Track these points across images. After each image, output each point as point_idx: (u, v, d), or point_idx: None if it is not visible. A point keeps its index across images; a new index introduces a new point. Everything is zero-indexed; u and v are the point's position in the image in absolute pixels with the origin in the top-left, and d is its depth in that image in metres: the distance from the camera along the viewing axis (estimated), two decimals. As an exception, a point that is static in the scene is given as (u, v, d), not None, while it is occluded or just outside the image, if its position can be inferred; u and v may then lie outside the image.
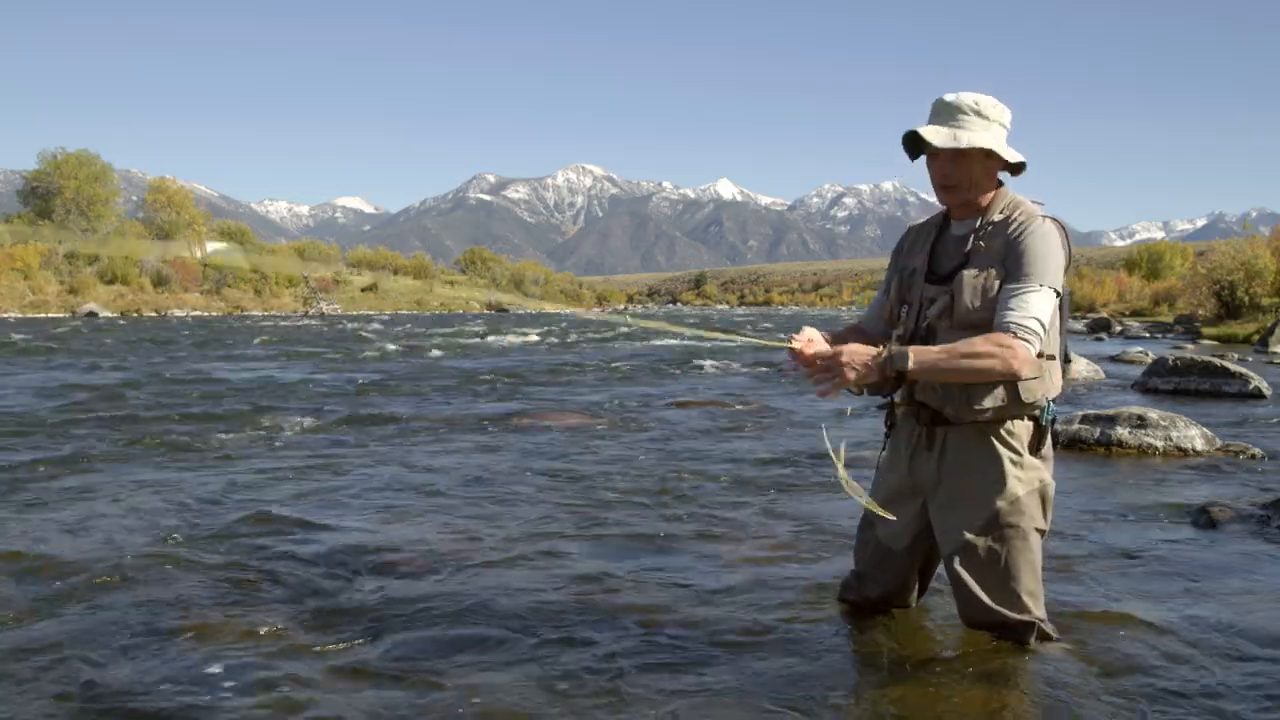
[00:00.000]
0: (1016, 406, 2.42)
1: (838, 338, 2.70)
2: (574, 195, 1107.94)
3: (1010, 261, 2.36)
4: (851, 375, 2.29)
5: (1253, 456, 5.68)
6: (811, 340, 2.41)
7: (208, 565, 3.37)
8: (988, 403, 2.39)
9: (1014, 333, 2.28)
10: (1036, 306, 2.31)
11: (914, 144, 2.49)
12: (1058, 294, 2.37)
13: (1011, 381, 2.37)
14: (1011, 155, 2.44)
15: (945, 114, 2.43)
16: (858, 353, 2.30)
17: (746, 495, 4.66)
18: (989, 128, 2.41)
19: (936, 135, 2.39)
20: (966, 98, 2.42)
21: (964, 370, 2.30)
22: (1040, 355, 2.42)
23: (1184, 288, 30.55)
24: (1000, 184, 2.52)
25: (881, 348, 2.33)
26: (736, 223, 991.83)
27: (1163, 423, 5.88)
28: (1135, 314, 36.50)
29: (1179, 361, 9.55)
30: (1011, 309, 2.31)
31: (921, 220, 2.73)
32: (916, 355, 2.30)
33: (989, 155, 2.43)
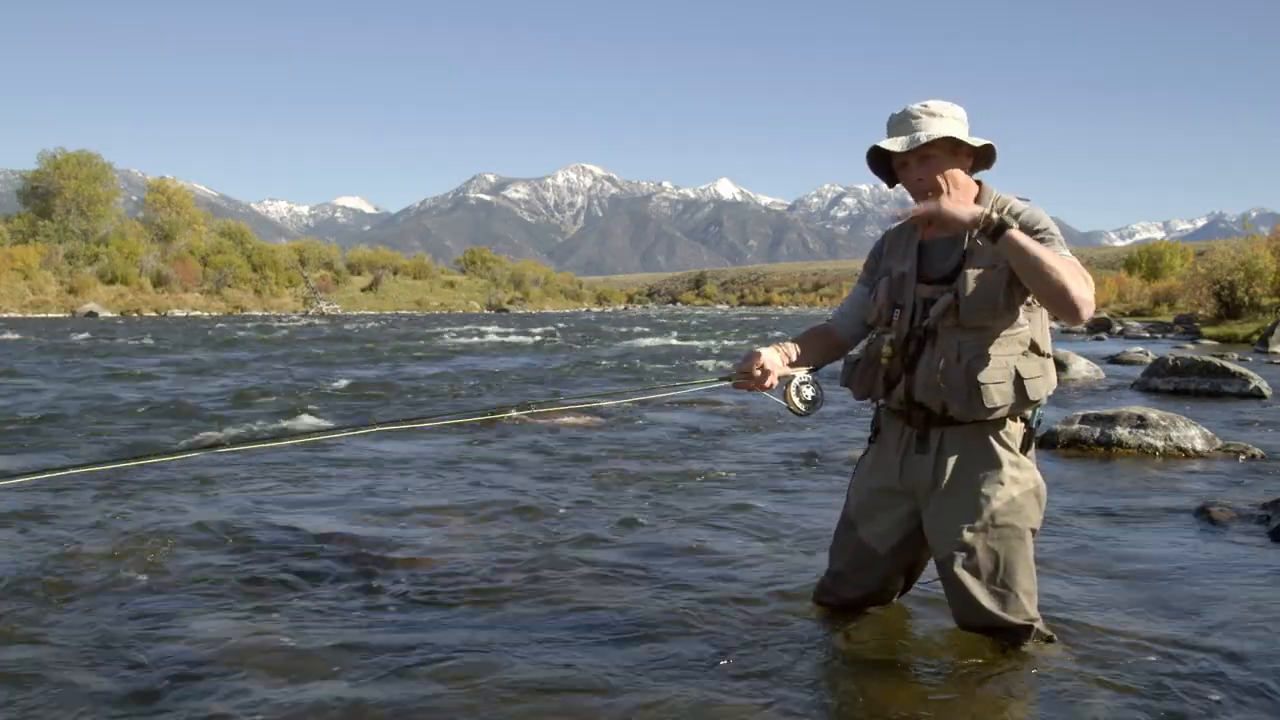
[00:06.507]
0: (1024, 404, 2.41)
1: (803, 338, 2.68)
2: (574, 195, 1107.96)
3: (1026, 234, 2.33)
4: (951, 210, 2.26)
5: (1253, 456, 5.66)
6: (762, 369, 2.45)
7: (208, 567, 3.36)
8: (1000, 400, 2.37)
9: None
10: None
11: (886, 170, 2.53)
12: None
13: (1018, 380, 2.37)
14: (973, 140, 2.43)
15: (899, 124, 2.44)
16: (963, 201, 2.26)
17: (741, 494, 4.64)
18: (944, 122, 2.41)
19: (897, 143, 2.41)
20: (914, 105, 2.44)
21: (1046, 268, 2.21)
22: (1040, 354, 2.43)
23: (1184, 288, 30.52)
24: (980, 184, 2.51)
25: (985, 210, 2.28)
26: (736, 223, 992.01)
27: (1163, 423, 5.86)
28: (1135, 314, 36.44)
29: (1179, 361, 9.53)
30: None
31: (898, 223, 2.71)
32: (1014, 230, 2.24)
33: (954, 150, 2.42)
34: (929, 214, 2.28)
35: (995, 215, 2.24)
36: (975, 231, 2.28)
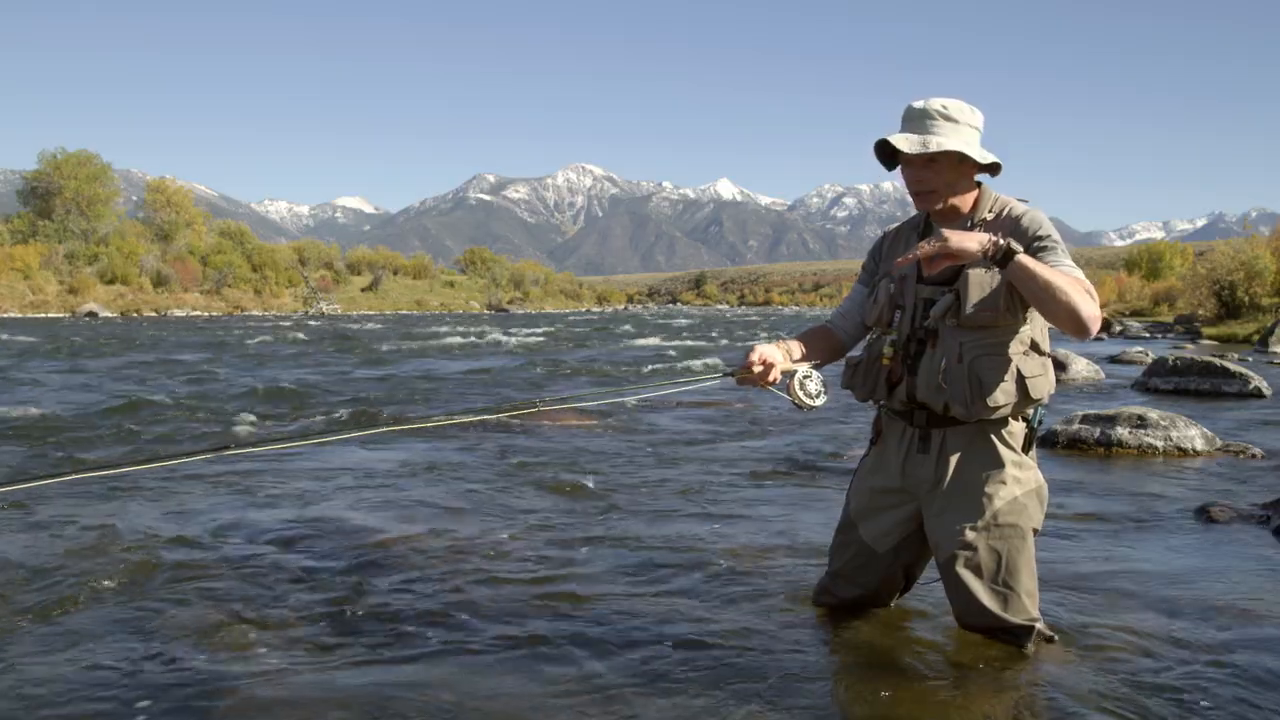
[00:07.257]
0: (1025, 403, 2.42)
1: (804, 337, 2.69)
2: (574, 195, 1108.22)
3: (1027, 245, 2.32)
4: (960, 243, 2.23)
5: (1253, 456, 5.66)
6: (764, 363, 2.42)
7: (210, 565, 3.36)
8: (1002, 399, 2.37)
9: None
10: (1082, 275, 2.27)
11: (888, 154, 2.51)
12: None
13: (1020, 379, 2.38)
14: (983, 157, 2.41)
15: (915, 120, 2.42)
16: (966, 232, 2.28)
17: (738, 495, 4.64)
18: (958, 130, 2.40)
19: (906, 142, 2.39)
20: (935, 103, 2.41)
21: (1055, 291, 2.19)
22: (1040, 353, 2.44)
23: (1184, 288, 30.49)
24: (979, 185, 2.51)
25: (992, 236, 2.25)
26: (736, 223, 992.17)
27: (1163, 423, 5.86)
28: (1135, 314, 36.43)
29: (1179, 361, 9.53)
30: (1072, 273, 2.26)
31: (897, 224, 2.72)
32: (1021, 255, 2.23)
33: (962, 159, 2.41)
34: (939, 251, 2.25)
35: (1004, 241, 2.22)
36: (984, 258, 2.25)
